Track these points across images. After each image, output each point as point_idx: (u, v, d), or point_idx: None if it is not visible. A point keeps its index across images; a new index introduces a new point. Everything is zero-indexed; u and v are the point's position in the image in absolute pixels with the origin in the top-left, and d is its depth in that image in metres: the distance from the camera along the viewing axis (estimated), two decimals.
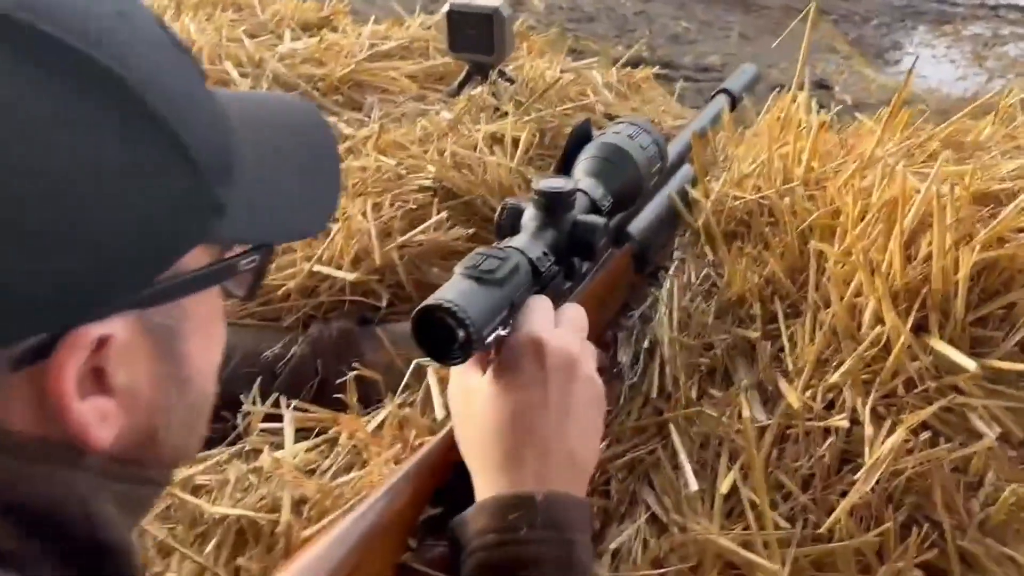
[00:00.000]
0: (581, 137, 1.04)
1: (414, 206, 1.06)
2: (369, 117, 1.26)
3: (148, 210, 0.36)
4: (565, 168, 1.05)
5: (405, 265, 1.02)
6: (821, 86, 5.27)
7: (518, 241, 0.80)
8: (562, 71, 1.47)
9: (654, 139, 1.05)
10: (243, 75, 1.27)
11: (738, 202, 1.08)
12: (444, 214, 1.01)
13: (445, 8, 1.27)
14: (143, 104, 0.35)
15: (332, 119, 1.25)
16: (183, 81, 0.39)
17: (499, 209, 0.88)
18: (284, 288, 1.00)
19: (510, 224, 0.86)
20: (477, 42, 1.25)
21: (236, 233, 0.42)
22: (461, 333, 0.64)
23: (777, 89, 1.21)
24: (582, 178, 0.97)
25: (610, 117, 1.38)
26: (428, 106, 1.29)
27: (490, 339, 0.68)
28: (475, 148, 1.17)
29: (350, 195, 1.09)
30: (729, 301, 0.99)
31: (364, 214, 1.01)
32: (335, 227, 1.03)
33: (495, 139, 1.20)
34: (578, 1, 6.35)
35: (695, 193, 1.14)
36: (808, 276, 0.94)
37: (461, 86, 1.32)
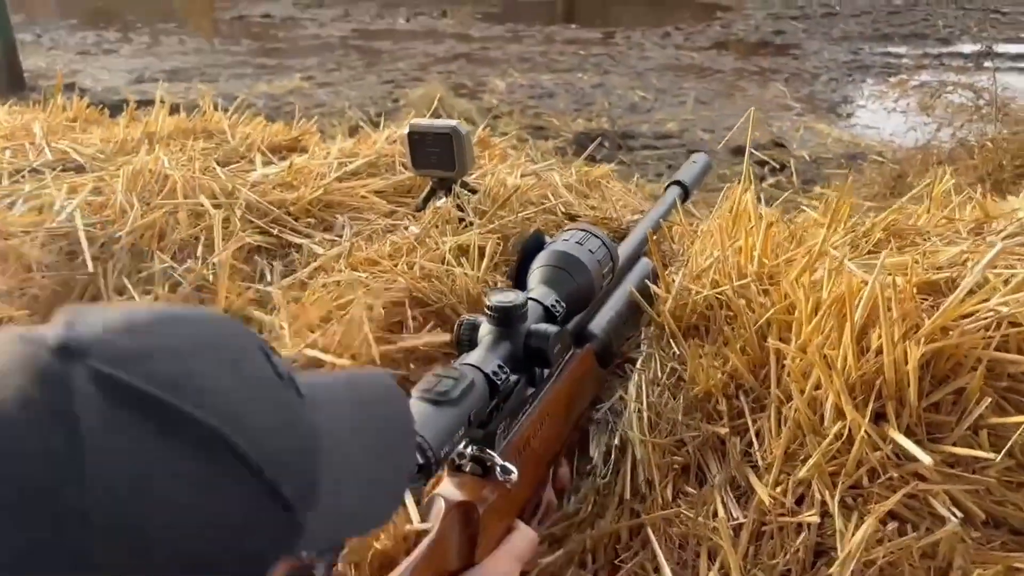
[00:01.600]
0: (533, 247, 1.10)
1: (388, 317, 1.10)
2: (340, 236, 1.31)
3: (244, 546, 0.41)
4: (519, 278, 1.10)
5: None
6: (778, 144, 5.43)
7: (474, 357, 0.84)
8: (522, 175, 1.54)
9: (603, 242, 1.10)
10: (216, 206, 1.32)
11: (698, 296, 1.12)
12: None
13: (406, 130, 1.34)
14: (246, 461, 0.40)
15: (304, 241, 1.31)
16: (281, 416, 0.44)
17: (456, 325, 0.93)
18: None
19: (468, 339, 0.91)
20: (438, 159, 1.31)
21: (314, 544, 0.46)
22: (420, 459, 0.68)
23: (726, 186, 1.27)
24: (535, 287, 1.02)
25: (571, 217, 1.44)
26: (397, 221, 1.34)
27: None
28: (443, 260, 1.22)
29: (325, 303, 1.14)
30: (696, 397, 1.03)
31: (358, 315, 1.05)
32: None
33: (462, 250, 1.25)
34: (538, 78, 6.53)
35: (656, 288, 1.19)
36: (769, 371, 0.99)
37: (426, 201, 1.38)
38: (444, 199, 1.37)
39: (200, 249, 1.27)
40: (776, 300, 1.04)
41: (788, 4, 8.32)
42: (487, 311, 0.89)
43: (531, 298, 0.94)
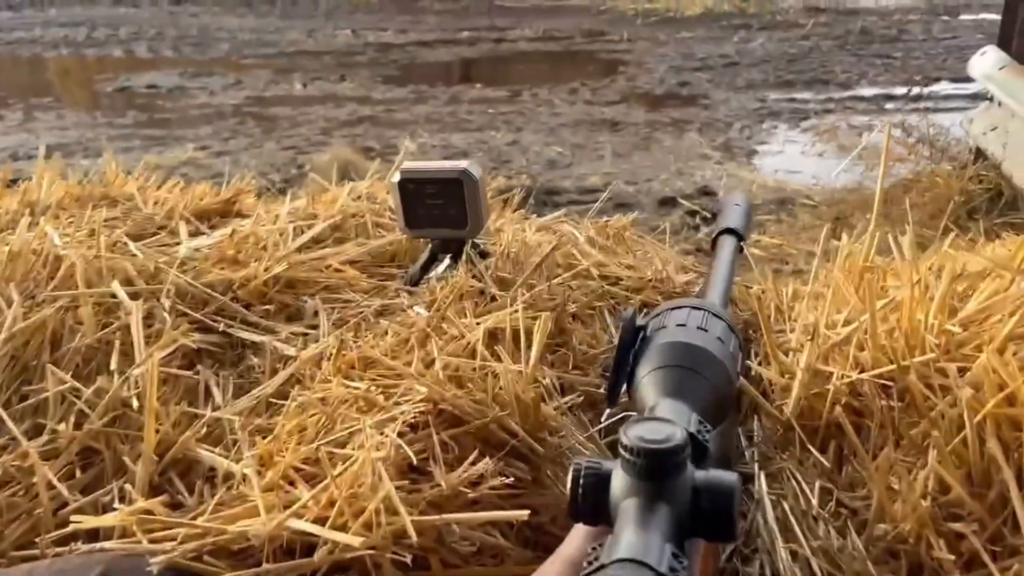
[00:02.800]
0: (632, 336, 0.76)
1: (408, 446, 0.74)
2: (316, 328, 0.94)
3: None
4: (617, 383, 0.76)
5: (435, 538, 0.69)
6: (705, 193, 5.31)
7: (629, 540, 0.49)
8: (536, 230, 1.21)
9: (728, 324, 0.78)
10: (134, 296, 0.94)
11: (841, 382, 0.81)
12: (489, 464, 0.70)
13: (394, 177, 0.99)
14: None
15: (265, 338, 0.93)
16: None
17: (571, 477, 0.58)
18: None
19: (593, 500, 0.57)
20: (442, 214, 0.98)
21: None
22: None
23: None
24: (658, 401, 0.68)
25: (607, 279, 1.11)
26: (389, 300, 0.98)
27: None
28: (473, 353, 0.87)
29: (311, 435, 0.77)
30: (886, 536, 0.70)
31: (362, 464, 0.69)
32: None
33: (492, 336, 0.90)
34: (449, 138, 6.28)
35: (766, 372, 0.87)
36: (1006, 491, 0.67)
37: (424, 270, 1.03)
38: (449, 266, 1.03)
39: (114, 359, 0.88)
40: (983, 383, 0.73)
41: (687, 56, 8.38)
42: (626, 455, 0.54)
43: (688, 431, 0.60)
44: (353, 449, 0.74)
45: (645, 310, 0.87)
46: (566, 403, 0.85)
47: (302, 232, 1.12)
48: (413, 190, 0.98)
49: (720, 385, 0.70)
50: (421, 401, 0.79)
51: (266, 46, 9.22)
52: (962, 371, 0.76)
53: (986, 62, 3.66)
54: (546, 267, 1.05)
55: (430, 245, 1.03)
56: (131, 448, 0.82)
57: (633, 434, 0.56)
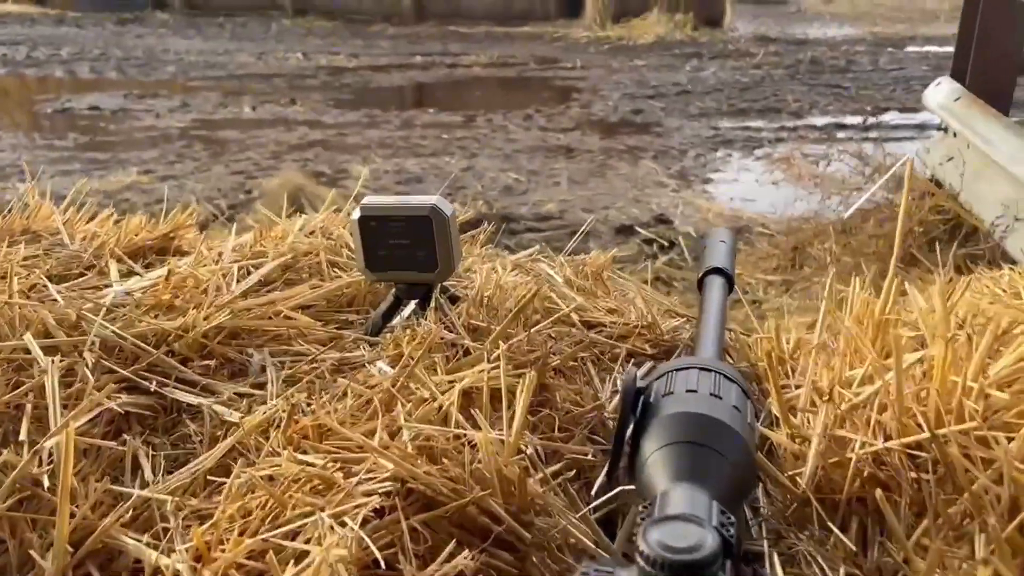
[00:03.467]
0: (634, 401, 0.66)
1: (372, 538, 0.62)
2: (263, 387, 0.82)
3: None
4: (617, 458, 0.66)
5: None
6: (662, 221, 5.29)
7: None
8: (508, 270, 1.10)
9: (740, 388, 0.68)
10: (51, 350, 0.81)
11: (864, 450, 0.72)
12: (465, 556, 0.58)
13: (354, 214, 0.88)
14: None
15: (204, 400, 0.81)
16: None
17: None
18: None
19: None
20: (408, 255, 0.87)
21: None
22: None
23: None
24: (670, 487, 0.58)
25: (590, 326, 1.01)
26: (346, 354, 0.87)
27: None
28: (445, 419, 0.76)
29: (254, 522, 0.65)
30: None
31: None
32: None
33: (467, 397, 0.79)
34: (403, 163, 6.18)
35: (775, 436, 0.78)
36: None
37: (387, 317, 0.92)
38: (415, 312, 0.91)
39: (24, 427, 0.75)
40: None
41: (641, 84, 8.41)
42: (648, 568, 0.44)
43: (713, 526, 0.49)
44: (307, 542, 0.62)
45: (642, 365, 0.76)
46: (553, 475, 0.75)
47: (247, 273, 0.99)
48: (375, 228, 0.87)
49: (740, 463, 0.61)
50: (387, 479, 0.68)
51: (214, 68, 9.04)
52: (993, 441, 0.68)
53: (941, 93, 3.68)
54: (523, 314, 0.94)
55: (393, 289, 0.92)
56: (41, 536, 0.69)
57: (654, 540, 0.45)
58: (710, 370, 0.68)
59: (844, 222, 4.35)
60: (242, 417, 0.78)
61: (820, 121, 7.05)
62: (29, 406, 0.78)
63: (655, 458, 0.60)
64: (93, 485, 0.72)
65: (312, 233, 1.14)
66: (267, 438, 0.75)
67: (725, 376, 0.67)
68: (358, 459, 0.71)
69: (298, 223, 1.17)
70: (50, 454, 0.74)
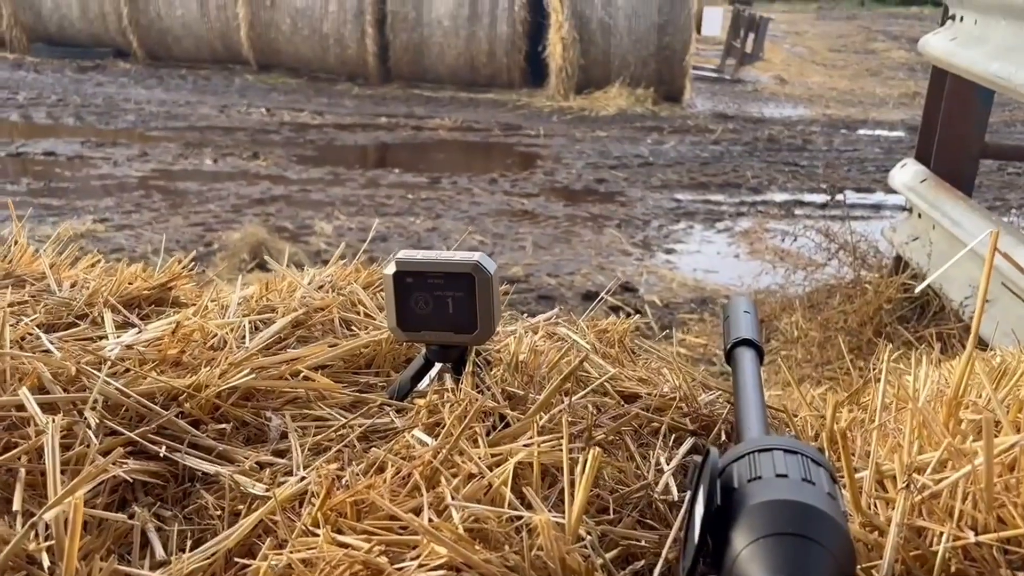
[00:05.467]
0: (713, 481, 0.60)
1: None
2: (284, 454, 0.74)
3: None
4: (700, 544, 0.60)
5: None
6: (627, 289, 5.31)
7: None
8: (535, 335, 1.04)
9: (828, 471, 0.63)
10: (47, 408, 0.72)
11: (952, 544, 0.66)
12: None
13: (387, 268, 0.81)
14: None
15: (221, 468, 0.72)
16: None
17: None
18: None
19: None
20: (446, 316, 0.80)
21: None
22: None
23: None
24: None
25: (625, 397, 0.95)
26: (375, 420, 0.79)
27: None
28: (495, 499, 0.69)
29: None
30: None
31: None
32: None
33: (518, 472, 0.72)
34: (367, 222, 6.13)
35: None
36: None
37: (415, 381, 0.85)
38: (441, 376, 0.84)
39: (18, 496, 0.66)
40: None
41: (604, 154, 8.51)
42: None
43: None
44: None
45: (704, 446, 0.71)
46: (618, 566, 0.68)
47: (257, 328, 0.92)
48: (411, 284, 0.80)
49: (842, 557, 0.55)
50: (440, 567, 0.60)
51: (175, 119, 8.94)
52: None
53: (907, 174, 3.76)
54: (557, 379, 0.88)
55: (423, 351, 0.85)
56: None
57: None
58: (796, 452, 0.62)
59: (810, 296, 4.40)
60: (267, 489, 0.70)
61: (779, 197, 7.19)
62: (23, 470, 0.69)
63: (749, 554, 0.54)
64: (98, 564, 0.63)
65: (322, 287, 1.07)
66: (296, 514, 0.67)
67: (811, 459, 0.62)
68: (404, 542, 0.63)
69: (307, 276, 1.10)
70: (47, 527, 0.65)
